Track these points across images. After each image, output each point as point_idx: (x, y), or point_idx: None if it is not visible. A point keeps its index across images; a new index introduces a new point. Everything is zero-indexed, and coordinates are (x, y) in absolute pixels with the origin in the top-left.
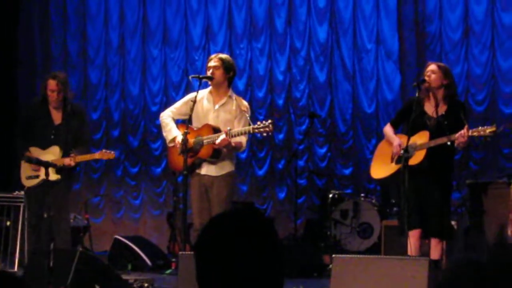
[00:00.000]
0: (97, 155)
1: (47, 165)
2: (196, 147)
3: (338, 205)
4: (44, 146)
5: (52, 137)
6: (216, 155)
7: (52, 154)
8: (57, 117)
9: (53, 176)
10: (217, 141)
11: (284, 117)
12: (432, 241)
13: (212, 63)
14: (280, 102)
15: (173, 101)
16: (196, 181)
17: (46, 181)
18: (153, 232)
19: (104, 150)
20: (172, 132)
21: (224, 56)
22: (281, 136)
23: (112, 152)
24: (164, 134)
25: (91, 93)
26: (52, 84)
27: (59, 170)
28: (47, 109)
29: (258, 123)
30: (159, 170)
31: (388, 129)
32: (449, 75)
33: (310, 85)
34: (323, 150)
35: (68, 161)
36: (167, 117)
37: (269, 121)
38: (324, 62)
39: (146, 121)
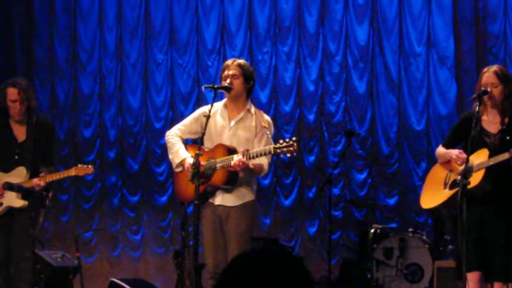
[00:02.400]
0: (72, 171)
1: (31, 193)
2: (208, 171)
3: (381, 242)
4: (6, 169)
5: (16, 157)
6: (232, 181)
7: (18, 176)
8: (20, 132)
9: (19, 203)
10: (233, 162)
11: (316, 135)
12: (495, 286)
13: (230, 71)
14: (311, 117)
15: (181, 116)
16: (209, 213)
17: (28, 209)
18: (156, 274)
19: (80, 165)
20: (180, 154)
21: (243, 62)
22: (311, 158)
23: (90, 166)
24: (171, 156)
25: (83, 106)
26: (12, 93)
27: (25, 195)
28: (7, 123)
29: (281, 141)
30: (164, 199)
31: (441, 150)
32: (511, 82)
33: (347, 97)
34: (363, 176)
35: (36, 181)
36: (174, 136)
37: (294, 138)
38: (364, 69)
39: (149, 140)
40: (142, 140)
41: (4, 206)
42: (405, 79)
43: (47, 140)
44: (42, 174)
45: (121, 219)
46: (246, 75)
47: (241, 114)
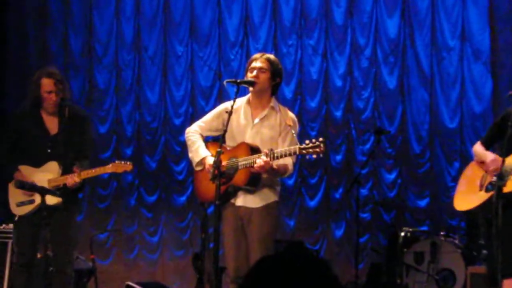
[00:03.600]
0: (109, 168)
1: (44, 192)
2: (229, 171)
3: (411, 246)
4: (38, 163)
5: (49, 150)
6: (255, 182)
7: (50, 172)
8: (53, 125)
9: (53, 200)
10: (256, 165)
11: (343, 133)
12: None
13: (257, 63)
14: (338, 114)
15: (202, 112)
16: (230, 214)
17: (43, 207)
18: (174, 278)
19: (118, 162)
20: (200, 153)
21: (273, 57)
22: (338, 157)
23: (129, 163)
24: (190, 155)
25: (98, 100)
26: (48, 83)
27: (61, 192)
28: (39, 116)
29: (307, 142)
30: (183, 199)
31: (478, 148)
32: None
33: (376, 93)
34: (392, 176)
35: (71, 179)
36: (194, 134)
37: (320, 139)
38: (394, 63)
39: (167, 137)
40: (160, 137)
41: (35, 204)
42: (437, 74)
43: (81, 133)
44: (76, 169)
45: (138, 220)
46: (275, 71)
47: (265, 111)
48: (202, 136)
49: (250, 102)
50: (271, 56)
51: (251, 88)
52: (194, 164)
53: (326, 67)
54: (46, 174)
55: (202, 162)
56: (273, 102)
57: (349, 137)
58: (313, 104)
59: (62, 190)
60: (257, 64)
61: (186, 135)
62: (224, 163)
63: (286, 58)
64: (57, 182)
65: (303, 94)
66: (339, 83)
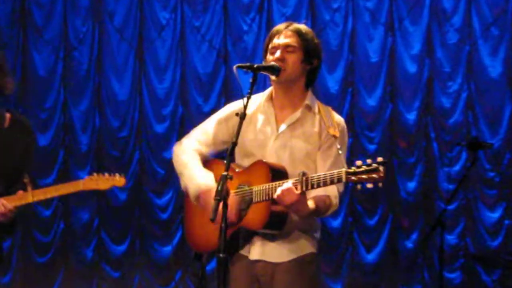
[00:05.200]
0: (80, 184)
1: None
2: (239, 206)
3: None
4: None
5: None
6: (278, 223)
7: None
8: None
9: None
10: (276, 196)
11: (418, 147)
12: None
13: (282, 39)
14: (410, 116)
15: (198, 114)
16: (241, 273)
17: None
18: None
19: (97, 175)
20: (197, 179)
21: (304, 28)
22: (411, 185)
23: (118, 175)
24: (182, 183)
25: (36, 95)
26: None
27: None
28: None
29: (358, 164)
30: (167, 249)
31: None
32: None
33: (470, 84)
34: (496, 215)
35: (2, 203)
36: (187, 152)
37: (379, 159)
38: (499, 38)
39: (144, 152)
40: (133, 152)
41: None
42: None
43: (23, 153)
44: (19, 192)
45: (98, 281)
46: (309, 50)
47: (297, 113)
48: (202, 154)
49: (274, 99)
50: (303, 27)
51: (274, 77)
52: (191, 197)
53: (391, 44)
54: None
55: (199, 193)
56: (309, 99)
57: (428, 153)
58: (371, 101)
59: None
60: (281, 40)
61: (175, 154)
62: (232, 193)
63: (330, 30)
64: None
65: (355, 86)
66: (412, 68)
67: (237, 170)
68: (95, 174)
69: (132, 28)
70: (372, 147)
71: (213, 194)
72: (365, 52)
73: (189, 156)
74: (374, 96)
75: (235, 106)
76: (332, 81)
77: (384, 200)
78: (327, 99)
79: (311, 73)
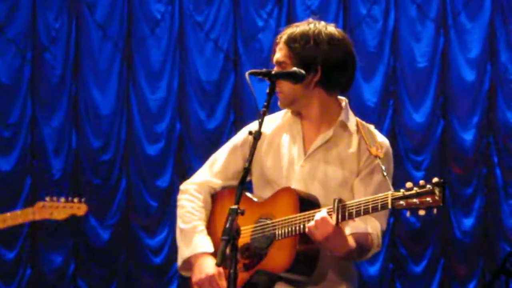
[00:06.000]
0: (29, 213)
1: None
2: (257, 245)
3: None
4: None
5: None
6: (307, 265)
7: None
8: None
9: None
10: (308, 226)
11: (478, 174)
12: None
13: (276, 55)
14: (468, 136)
15: (200, 132)
16: None
17: None
18: None
19: (50, 199)
20: (194, 242)
21: (300, 30)
22: (468, 222)
23: (77, 202)
24: (178, 242)
25: None
26: None
27: None
28: None
29: (409, 185)
30: None
31: None
32: None
33: None
34: None
35: None
36: (194, 195)
37: (435, 180)
38: None
39: (133, 180)
40: (119, 180)
41: None
42: None
43: None
44: None
45: None
46: (301, 60)
47: (329, 133)
48: (212, 195)
49: (302, 115)
50: (299, 30)
51: (279, 103)
52: (178, 262)
53: (444, 45)
54: None
55: (191, 261)
56: (344, 114)
57: (490, 182)
58: (418, 117)
59: None
60: (276, 55)
61: (181, 198)
62: (246, 230)
63: (366, 27)
64: None
65: (398, 98)
66: (469, 75)
67: (255, 200)
68: (47, 199)
69: (118, 24)
70: (418, 174)
71: (209, 268)
72: (410, 55)
73: (194, 204)
74: (421, 111)
75: (251, 128)
76: (369, 92)
77: (434, 240)
78: (362, 114)
79: (325, 82)
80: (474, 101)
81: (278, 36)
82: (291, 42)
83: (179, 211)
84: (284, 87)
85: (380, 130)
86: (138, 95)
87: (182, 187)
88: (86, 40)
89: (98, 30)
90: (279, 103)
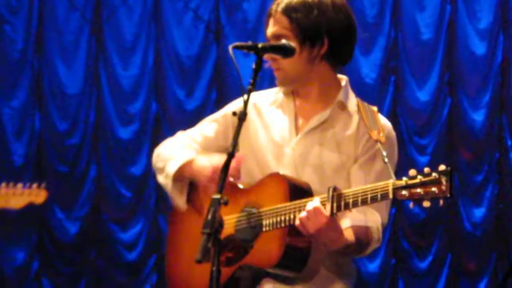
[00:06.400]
0: None
1: None
2: (242, 237)
3: None
4: None
5: None
6: (296, 260)
7: None
8: None
9: None
10: (299, 218)
11: (490, 158)
12: None
13: (269, 28)
14: (478, 116)
15: (179, 113)
16: None
17: None
18: None
19: (6, 185)
20: (178, 156)
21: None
22: (479, 212)
23: (36, 187)
24: (160, 178)
25: None
26: None
27: None
28: None
29: (412, 172)
30: None
31: None
32: None
33: None
34: None
35: None
36: (176, 143)
37: (442, 168)
38: None
39: (103, 167)
40: (88, 166)
41: None
42: None
43: None
44: None
45: None
46: (304, 31)
47: (325, 113)
48: (170, 214)
49: (297, 93)
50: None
51: (277, 82)
52: (168, 189)
53: (451, 14)
54: None
55: (182, 172)
56: (343, 94)
57: (503, 168)
58: (422, 95)
59: None
60: (269, 29)
61: (155, 154)
62: (230, 219)
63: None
64: None
65: (399, 74)
66: (479, 48)
67: (241, 187)
68: (3, 185)
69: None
70: (423, 159)
71: (200, 165)
72: (413, 26)
73: (178, 146)
74: (426, 88)
75: (235, 106)
76: (367, 67)
77: (441, 233)
78: (360, 91)
79: (331, 54)
80: (485, 77)
81: (273, 6)
82: (291, 11)
83: (154, 159)
84: (284, 63)
85: (380, 110)
86: (108, 72)
87: (165, 142)
88: (50, 11)
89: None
90: (276, 82)
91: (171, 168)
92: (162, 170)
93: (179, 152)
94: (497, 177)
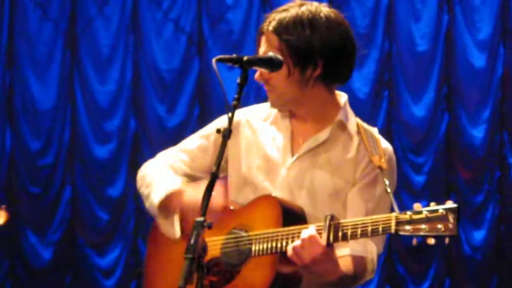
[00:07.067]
0: None
1: None
2: (230, 260)
3: None
4: None
5: None
6: None
7: None
8: None
9: None
10: (291, 246)
11: (490, 177)
12: None
13: (261, 47)
14: (478, 133)
15: (159, 134)
16: None
17: None
18: None
19: None
20: (167, 183)
21: (290, 14)
22: (479, 234)
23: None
24: (147, 204)
25: None
26: None
27: None
28: None
29: (416, 207)
30: None
31: None
32: None
33: None
34: None
35: None
36: (159, 164)
37: (449, 205)
38: None
39: (78, 187)
40: (62, 188)
41: None
42: None
43: None
44: None
45: None
46: (295, 51)
47: (324, 133)
48: (149, 234)
49: (293, 113)
50: (290, 15)
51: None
52: (154, 208)
53: (448, 24)
54: None
55: (166, 203)
56: (343, 113)
57: (504, 188)
58: (418, 110)
59: None
60: (261, 47)
61: (140, 173)
62: (216, 241)
63: (355, 3)
64: None
65: (394, 88)
66: (478, 60)
67: (231, 208)
68: None
69: (60, 1)
70: (419, 178)
71: (191, 198)
72: (408, 37)
73: (164, 169)
74: (422, 103)
75: (220, 123)
76: (360, 80)
77: (438, 257)
78: (352, 107)
79: (326, 76)
80: (484, 91)
81: (265, 23)
82: (282, 32)
83: (139, 182)
84: (276, 83)
85: (373, 127)
86: (84, 87)
87: (148, 165)
88: (22, 21)
89: (36, 8)
90: (270, 104)
91: (156, 198)
92: (147, 197)
93: (165, 177)
94: (498, 197)
